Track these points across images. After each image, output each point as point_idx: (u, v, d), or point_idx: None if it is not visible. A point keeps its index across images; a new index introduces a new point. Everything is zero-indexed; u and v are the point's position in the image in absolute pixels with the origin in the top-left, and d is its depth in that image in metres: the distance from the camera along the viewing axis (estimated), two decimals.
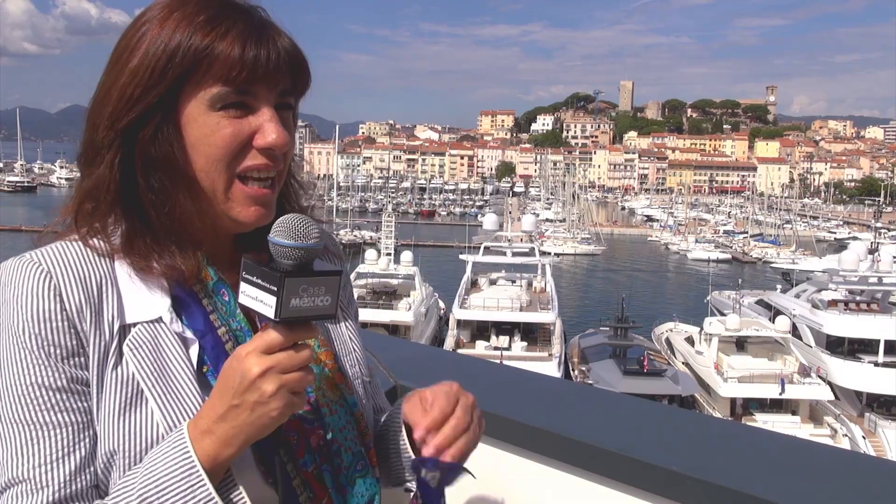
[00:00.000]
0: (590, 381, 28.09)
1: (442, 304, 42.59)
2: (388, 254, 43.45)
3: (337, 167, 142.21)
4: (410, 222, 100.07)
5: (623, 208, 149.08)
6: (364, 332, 1.28)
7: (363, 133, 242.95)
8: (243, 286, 0.92)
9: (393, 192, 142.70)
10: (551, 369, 29.13)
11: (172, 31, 0.97)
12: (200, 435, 0.90)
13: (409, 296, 36.93)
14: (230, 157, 0.98)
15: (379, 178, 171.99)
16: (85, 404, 0.95)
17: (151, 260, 0.99)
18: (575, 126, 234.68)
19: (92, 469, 0.94)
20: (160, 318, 0.98)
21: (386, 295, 37.19)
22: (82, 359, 0.95)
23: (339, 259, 1.31)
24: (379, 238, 50.97)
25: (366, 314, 34.07)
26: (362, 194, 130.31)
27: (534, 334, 35.28)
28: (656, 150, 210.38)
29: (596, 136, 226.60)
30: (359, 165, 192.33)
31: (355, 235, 71.94)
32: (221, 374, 0.91)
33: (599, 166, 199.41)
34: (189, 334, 0.99)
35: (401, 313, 34.57)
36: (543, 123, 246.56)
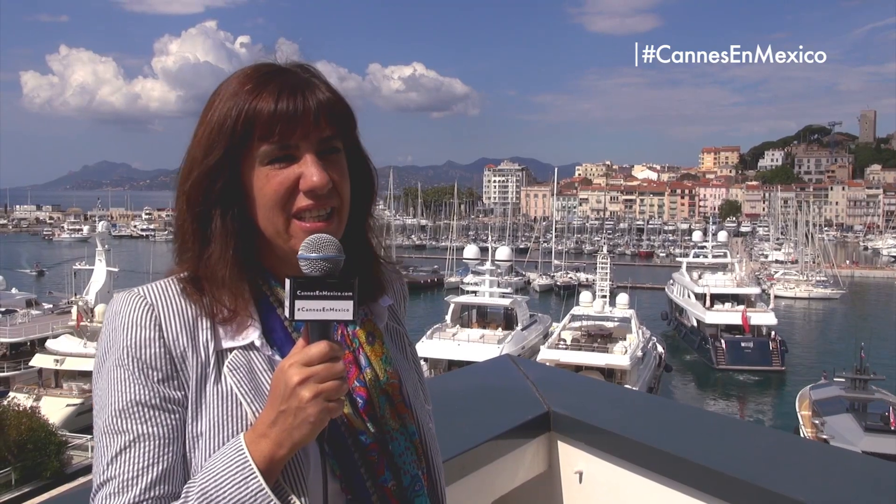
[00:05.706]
0: (824, 437, 26.05)
1: (661, 349, 41.43)
2: (604, 296, 43.06)
3: (553, 209, 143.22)
4: (627, 264, 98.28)
5: (866, 248, 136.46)
6: (527, 361, 1.45)
7: (579, 174, 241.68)
8: (300, 303, 1.01)
9: (610, 234, 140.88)
10: None
11: (225, 101, 1.14)
12: (257, 438, 1.01)
13: (624, 339, 36.21)
14: (282, 202, 1.12)
15: (595, 219, 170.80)
16: (174, 422, 1.08)
17: (245, 294, 1.14)
18: (808, 161, 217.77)
19: (174, 479, 1.06)
20: (252, 342, 1.12)
21: (601, 338, 36.84)
22: (176, 382, 1.09)
23: (400, 282, 1.41)
24: (594, 280, 50.65)
25: (580, 357, 34.03)
26: (578, 236, 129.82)
27: None
28: None
29: (832, 171, 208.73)
30: (575, 207, 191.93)
31: (570, 277, 71.93)
32: (272, 385, 1.03)
33: (837, 203, 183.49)
34: (277, 358, 1.13)
35: (616, 357, 33.81)
36: (772, 159, 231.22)
